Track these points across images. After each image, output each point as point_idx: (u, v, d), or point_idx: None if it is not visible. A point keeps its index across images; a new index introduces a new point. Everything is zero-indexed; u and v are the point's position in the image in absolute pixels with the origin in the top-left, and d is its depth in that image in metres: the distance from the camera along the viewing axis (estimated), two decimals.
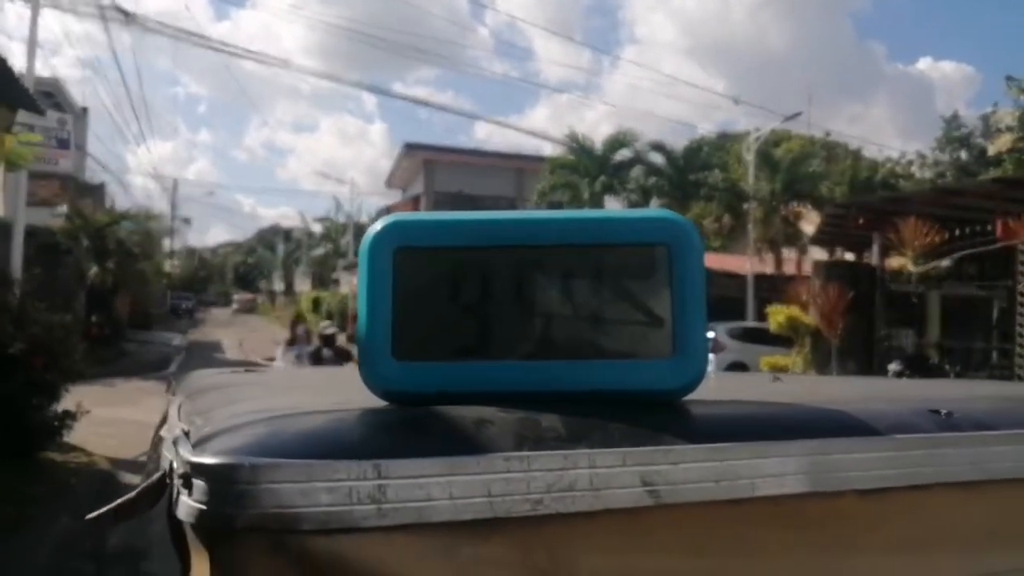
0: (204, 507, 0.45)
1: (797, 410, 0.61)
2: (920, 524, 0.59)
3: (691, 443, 0.52)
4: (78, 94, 24.41)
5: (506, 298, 0.58)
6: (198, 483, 0.45)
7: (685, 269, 0.58)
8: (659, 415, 0.55)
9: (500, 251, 0.59)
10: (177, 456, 0.49)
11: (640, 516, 0.50)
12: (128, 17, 16.10)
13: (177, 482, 0.48)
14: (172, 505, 0.50)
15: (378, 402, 0.56)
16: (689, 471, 0.51)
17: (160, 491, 0.58)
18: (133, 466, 7.01)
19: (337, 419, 0.51)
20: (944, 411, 0.63)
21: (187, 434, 0.52)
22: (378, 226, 0.59)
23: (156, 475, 0.59)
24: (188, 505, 0.46)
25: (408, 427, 0.51)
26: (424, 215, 0.61)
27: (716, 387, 0.68)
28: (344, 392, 0.63)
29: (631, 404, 0.55)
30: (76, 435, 7.41)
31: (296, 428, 0.49)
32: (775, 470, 0.53)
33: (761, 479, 0.53)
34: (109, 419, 8.80)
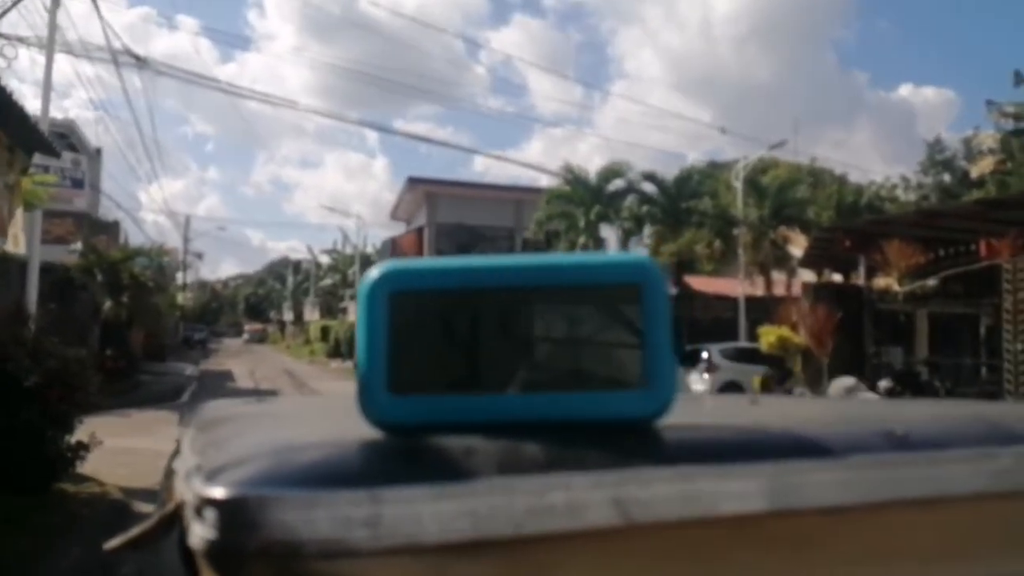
0: (216, 535, 0.48)
1: (761, 433, 0.64)
2: (877, 540, 0.62)
3: (660, 465, 0.55)
4: (92, 134, 24.61)
5: (492, 336, 0.62)
6: (209, 514, 0.48)
7: (653, 306, 0.61)
8: (631, 440, 0.58)
9: (486, 293, 0.62)
10: (189, 489, 0.52)
11: (613, 535, 0.53)
12: (140, 61, 16.29)
13: (189, 513, 0.51)
14: (184, 535, 0.53)
15: (375, 433, 0.60)
16: (657, 492, 0.54)
17: (174, 521, 0.61)
18: (146, 495, 6.99)
19: (336, 450, 0.54)
20: (901, 432, 0.66)
21: (199, 467, 0.55)
22: (375, 273, 0.62)
23: (171, 505, 0.62)
24: (200, 534, 0.49)
25: (400, 456, 0.55)
26: (417, 262, 0.64)
27: (690, 412, 0.71)
28: (344, 423, 0.66)
29: (606, 431, 0.59)
30: (89, 466, 7.39)
31: (299, 460, 0.52)
32: (738, 490, 0.56)
33: (726, 498, 0.56)
34: (123, 449, 8.78)
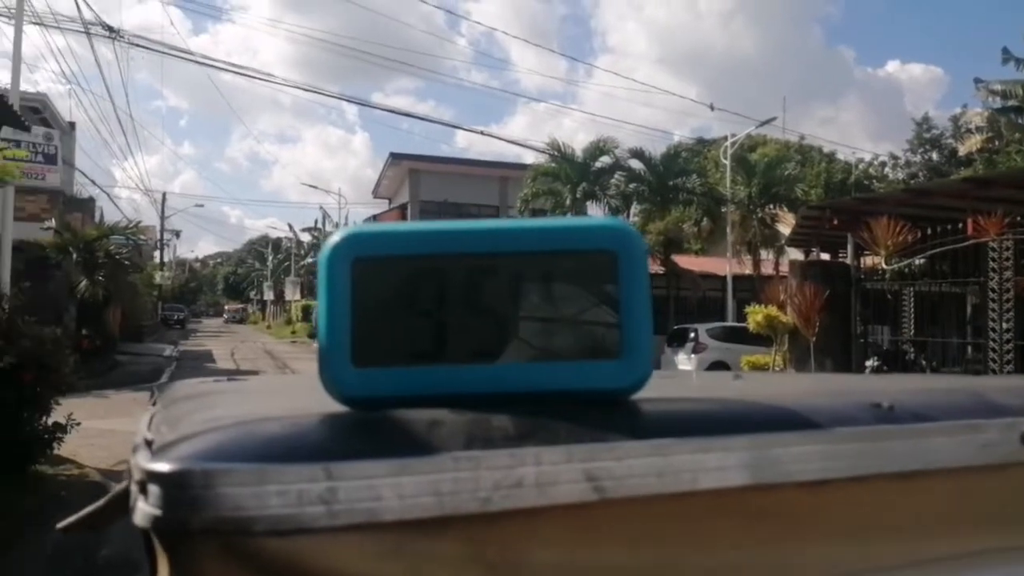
0: (159, 512, 0.45)
1: (741, 406, 0.63)
2: (860, 514, 0.60)
3: (635, 439, 0.53)
4: (64, 108, 24.21)
5: (460, 304, 0.59)
6: (153, 489, 0.46)
7: (631, 274, 0.59)
8: (604, 413, 0.56)
9: (454, 259, 0.60)
10: (135, 464, 0.50)
11: (586, 511, 0.51)
12: (113, 33, 15.99)
13: (134, 489, 0.49)
14: (131, 512, 0.50)
15: (338, 407, 0.57)
16: (632, 466, 0.52)
17: (127, 499, 0.58)
18: (124, 477, 6.95)
19: (292, 424, 0.52)
20: (885, 404, 0.65)
21: (149, 443, 0.53)
22: (336, 238, 0.60)
23: (123, 484, 0.59)
24: (144, 511, 0.46)
25: (360, 430, 0.52)
26: (381, 226, 0.62)
27: (669, 386, 0.69)
28: (308, 398, 0.64)
29: (578, 403, 0.57)
30: (67, 447, 7.34)
31: (251, 434, 0.50)
32: (716, 464, 0.54)
33: (703, 473, 0.54)
34: (101, 430, 8.73)
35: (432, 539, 0.48)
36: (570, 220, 0.63)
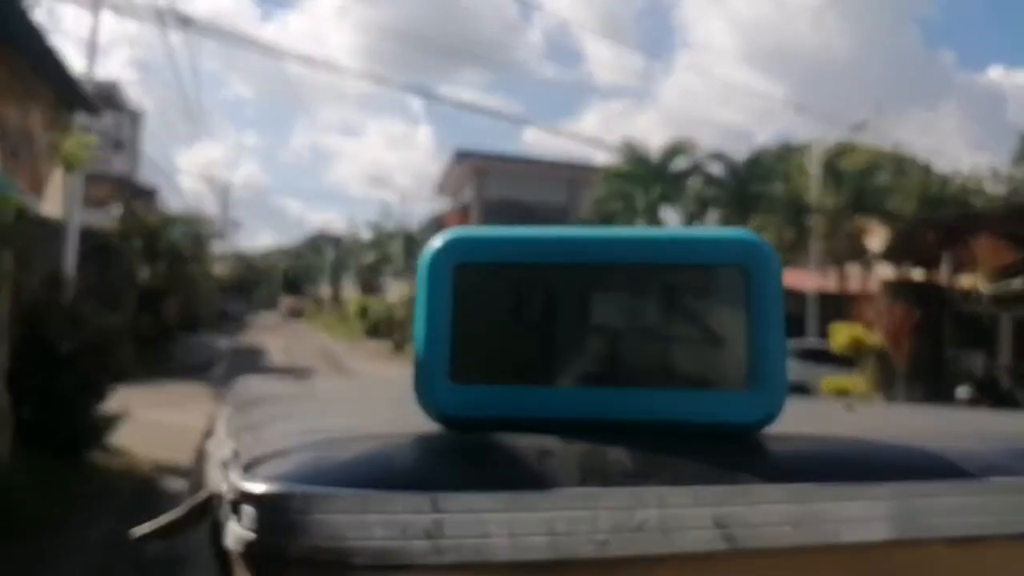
0: (253, 536, 0.43)
1: (884, 448, 0.58)
2: None
3: (770, 482, 0.49)
4: (132, 96, 25.08)
5: (571, 319, 0.56)
6: (247, 510, 0.44)
7: (763, 293, 0.55)
8: (735, 451, 0.52)
9: (566, 269, 0.57)
10: (226, 480, 0.48)
11: (713, 562, 0.47)
12: (185, 21, 16.51)
13: (225, 508, 0.47)
14: (219, 531, 0.49)
15: (433, 426, 0.55)
16: (768, 513, 0.48)
17: (206, 511, 0.57)
18: (175, 471, 7.16)
19: (392, 445, 0.50)
20: None
21: (236, 455, 0.51)
22: (438, 241, 0.57)
23: (203, 494, 0.58)
24: (237, 533, 0.45)
25: (467, 457, 0.50)
26: (486, 230, 0.59)
27: (791, 419, 0.65)
28: (398, 412, 0.62)
29: (704, 438, 0.53)
30: (121, 437, 7.59)
31: (350, 454, 0.48)
32: (862, 514, 0.50)
33: (846, 524, 0.50)
34: (154, 422, 8.99)
35: None
36: (697, 230, 0.59)
